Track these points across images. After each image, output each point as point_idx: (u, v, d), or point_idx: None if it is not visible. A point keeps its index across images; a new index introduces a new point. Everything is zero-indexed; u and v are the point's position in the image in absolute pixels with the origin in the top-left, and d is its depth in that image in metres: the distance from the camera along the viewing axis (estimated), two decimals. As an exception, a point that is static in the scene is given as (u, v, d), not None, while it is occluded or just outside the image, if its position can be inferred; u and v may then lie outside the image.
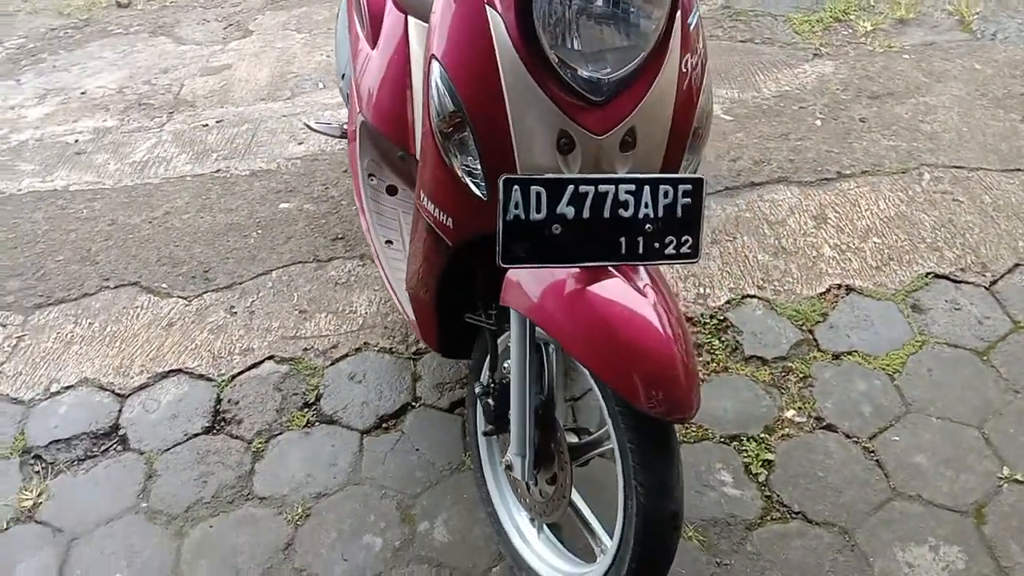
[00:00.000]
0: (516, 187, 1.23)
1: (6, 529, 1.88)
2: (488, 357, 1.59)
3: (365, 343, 2.25)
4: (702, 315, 2.23)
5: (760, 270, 2.35)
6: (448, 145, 1.33)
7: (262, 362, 2.24)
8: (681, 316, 1.35)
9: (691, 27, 1.37)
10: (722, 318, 2.22)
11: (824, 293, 2.27)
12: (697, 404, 1.28)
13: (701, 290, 2.30)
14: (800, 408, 1.98)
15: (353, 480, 1.93)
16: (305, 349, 2.26)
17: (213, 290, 2.49)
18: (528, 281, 1.34)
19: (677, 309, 1.35)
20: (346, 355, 2.23)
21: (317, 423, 2.07)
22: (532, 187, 1.24)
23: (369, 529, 1.82)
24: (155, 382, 2.21)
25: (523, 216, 1.24)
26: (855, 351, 2.11)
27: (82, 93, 3.70)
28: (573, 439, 1.52)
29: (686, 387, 1.26)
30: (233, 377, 2.20)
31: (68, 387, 2.21)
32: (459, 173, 1.34)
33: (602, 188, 1.26)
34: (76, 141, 3.30)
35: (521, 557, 1.65)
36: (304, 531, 1.83)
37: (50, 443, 2.06)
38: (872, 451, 1.88)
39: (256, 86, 3.62)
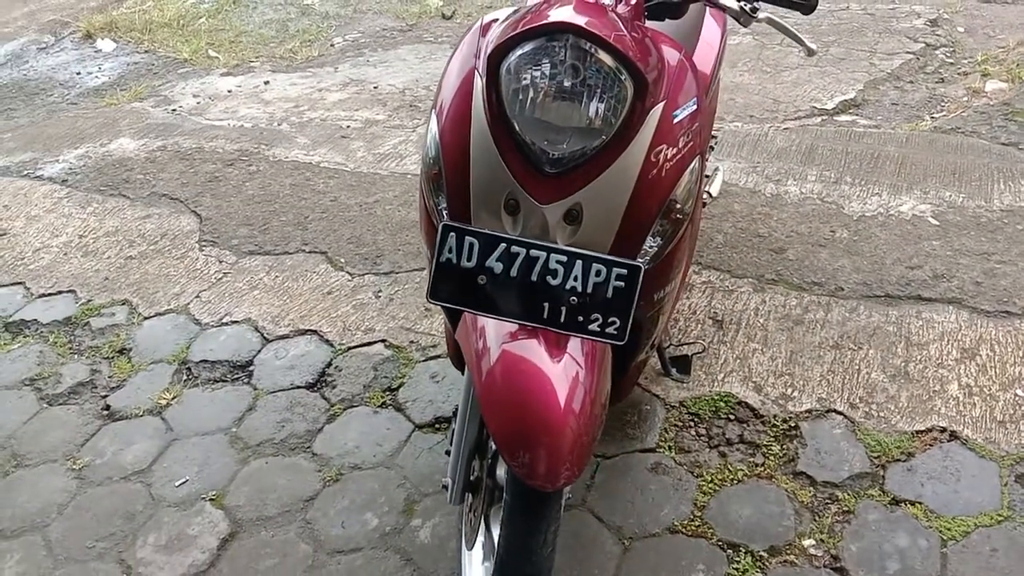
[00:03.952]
0: (453, 234, 1.37)
1: (140, 416, 2.37)
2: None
3: (458, 351, 2.45)
4: (775, 416, 2.11)
5: (864, 388, 2.15)
6: (430, 187, 1.49)
7: (375, 343, 2.54)
8: (599, 396, 1.39)
9: (676, 119, 1.39)
10: (793, 425, 2.08)
11: (922, 432, 2.02)
12: (566, 479, 1.31)
13: (787, 391, 2.17)
14: (821, 541, 1.82)
15: (386, 464, 2.15)
16: (411, 342, 2.52)
17: (375, 273, 2.84)
18: (473, 321, 1.46)
19: (597, 388, 1.39)
20: (438, 356, 2.45)
21: (388, 406, 2.32)
22: (467, 237, 1.36)
23: (375, 508, 2.03)
24: (293, 336, 2.61)
25: (455, 261, 1.37)
26: (920, 502, 1.87)
27: (374, 87, 4.31)
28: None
29: (562, 458, 1.30)
30: (349, 348, 2.53)
31: (234, 321, 2.69)
32: (432, 214, 1.49)
33: (534, 253, 1.35)
34: (348, 127, 3.89)
35: (461, 573, 1.75)
36: (328, 491, 2.09)
37: (200, 361, 2.55)
38: (873, 612, 1.69)
39: (507, 105, 3.95)
